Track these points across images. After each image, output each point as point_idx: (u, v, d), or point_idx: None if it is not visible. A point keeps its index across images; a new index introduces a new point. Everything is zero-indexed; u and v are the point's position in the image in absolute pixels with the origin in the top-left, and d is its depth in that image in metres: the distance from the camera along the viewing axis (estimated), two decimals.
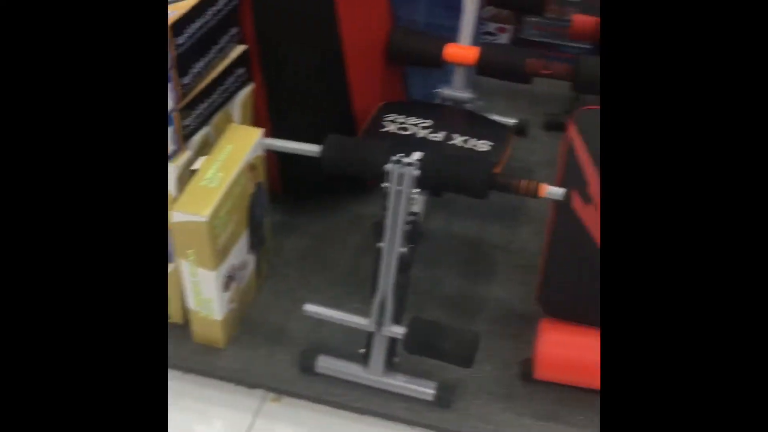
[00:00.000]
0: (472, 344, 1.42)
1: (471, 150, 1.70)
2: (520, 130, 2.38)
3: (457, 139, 1.73)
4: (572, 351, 1.51)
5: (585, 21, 2.27)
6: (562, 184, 1.48)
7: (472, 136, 1.73)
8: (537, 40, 2.71)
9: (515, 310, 1.80)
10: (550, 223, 1.52)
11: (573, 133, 1.49)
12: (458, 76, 1.92)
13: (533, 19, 2.69)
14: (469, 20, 1.87)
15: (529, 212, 2.09)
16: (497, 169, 1.69)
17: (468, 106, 1.95)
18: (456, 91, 1.93)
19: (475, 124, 1.86)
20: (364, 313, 1.50)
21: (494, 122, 1.91)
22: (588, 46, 2.37)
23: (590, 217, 1.47)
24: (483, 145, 1.71)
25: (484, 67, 1.86)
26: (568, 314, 1.55)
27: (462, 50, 1.87)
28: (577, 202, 1.48)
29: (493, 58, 1.83)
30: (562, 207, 1.49)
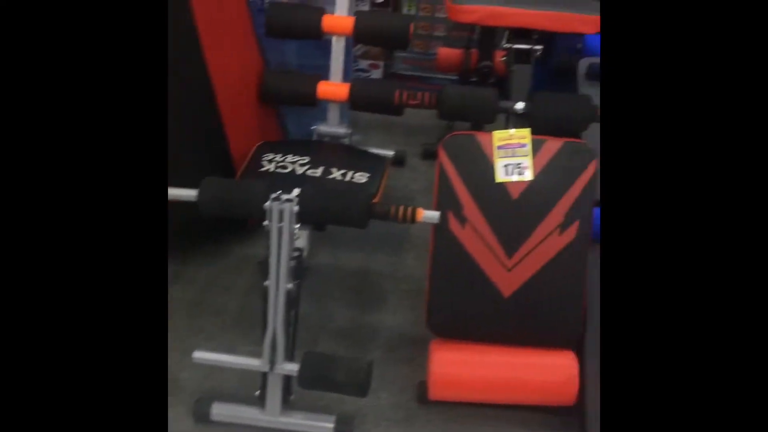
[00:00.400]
0: (365, 373, 1.43)
1: (350, 182, 1.74)
2: (398, 161, 2.46)
3: (336, 173, 1.76)
4: (463, 368, 1.56)
5: (449, 54, 2.39)
6: (438, 208, 1.54)
7: (350, 169, 1.77)
8: (407, 73, 2.82)
9: (407, 334, 1.83)
10: (431, 247, 1.57)
11: (443, 158, 1.56)
12: (332, 113, 1.97)
13: (402, 54, 2.81)
14: (338, 58, 1.92)
15: (412, 239, 2.15)
16: (376, 199, 1.73)
17: (345, 141, 2.00)
18: (332, 127, 1.98)
19: (352, 157, 1.91)
20: (258, 355, 1.49)
21: (371, 154, 1.96)
22: (454, 77, 2.49)
23: (467, 238, 1.54)
24: (361, 177, 1.76)
25: (355, 102, 1.91)
26: (456, 333, 1.60)
27: (333, 87, 1.92)
28: (453, 225, 1.54)
29: (364, 93, 1.89)
30: (440, 230, 1.55)
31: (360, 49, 2.73)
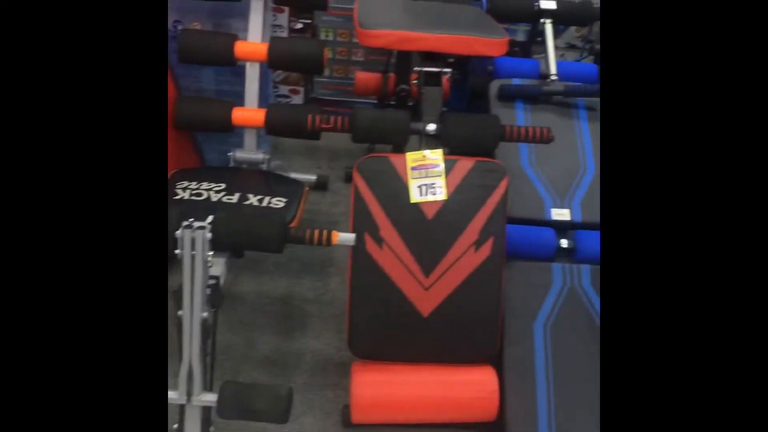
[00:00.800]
0: (285, 400, 1.41)
1: (266, 208, 1.73)
2: (321, 185, 2.46)
3: (253, 199, 1.75)
4: (384, 390, 1.56)
5: (367, 78, 2.42)
6: (355, 230, 1.55)
7: (267, 195, 1.76)
8: (328, 98, 2.84)
9: (332, 358, 1.83)
10: (349, 270, 1.58)
11: (358, 180, 1.57)
12: (249, 139, 1.96)
13: (323, 79, 2.83)
14: (252, 84, 1.92)
15: (336, 263, 2.15)
16: (294, 223, 1.73)
17: (263, 167, 1.99)
18: (248, 153, 1.96)
19: (270, 183, 1.90)
20: (174, 387, 1.45)
21: (288, 179, 1.96)
22: (374, 101, 2.52)
23: (385, 259, 1.55)
24: (278, 202, 1.75)
25: (271, 127, 1.91)
26: (378, 354, 1.60)
27: (248, 113, 1.92)
28: (370, 246, 1.55)
29: (279, 118, 1.89)
30: (358, 252, 1.55)
31: (280, 74, 2.73)
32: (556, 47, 2.79)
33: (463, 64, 2.60)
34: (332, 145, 2.66)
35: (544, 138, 1.60)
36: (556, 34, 2.76)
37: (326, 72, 2.83)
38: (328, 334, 1.90)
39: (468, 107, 2.39)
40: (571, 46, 2.75)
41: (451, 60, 2.66)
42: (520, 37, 2.61)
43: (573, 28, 2.72)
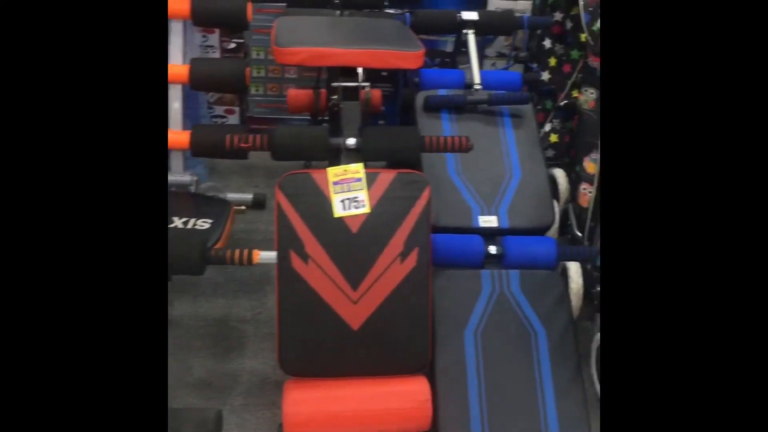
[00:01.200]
0: (213, 423, 1.40)
1: (190, 230, 1.71)
2: (258, 204, 2.45)
3: (177, 222, 1.74)
4: (316, 406, 1.55)
5: (299, 94, 2.42)
6: (279, 247, 1.55)
7: (192, 217, 1.75)
8: (263, 117, 2.84)
9: (269, 378, 1.82)
10: (276, 287, 1.57)
11: (281, 198, 1.57)
12: (175, 161, 1.95)
13: (257, 97, 2.83)
14: (175, 107, 1.91)
15: (273, 281, 2.13)
16: (220, 244, 1.72)
17: (191, 189, 1.97)
18: (175, 175, 1.95)
19: (196, 204, 1.89)
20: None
21: (215, 200, 1.95)
22: (307, 117, 2.53)
23: (311, 275, 1.55)
24: (203, 224, 1.74)
25: (196, 149, 1.90)
26: (310, 371, 1.59)
27: (173, 135, 1.90)
28: (296, 263, 1.55)
29: (202, 139, 1.89)
30: (284, 270, 1.55)
31: (213, 95, 2.72)
32: (487, 56, 2.85)
33: (393, 77, 2.63)
34: (269, 163, 2.65)
35: (463, 147, 1.62)
36: (486, 44, 2.81)
37: (260, 90, 2.83)
38: (265, 353, 1.90)
39: (401, 120, 2.41)
40: (502, 55, 2.80)
41: (384, 74, 2.69)
42: (450, 48, 2.65)
43: (502, 38, 2.77)
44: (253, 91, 2.81)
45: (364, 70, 1.81)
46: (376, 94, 2.29)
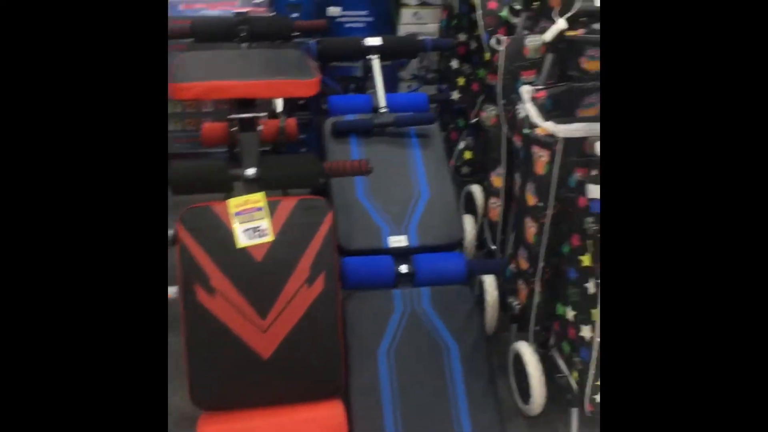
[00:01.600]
0: None
1: None
2: (173, 241, 2.43)
3: None
4: None
5: (213, 128, 2.42)
6: (183, 282, 1.54)
7: None
8: (182, 152, 2.83)
9: (189, 414, 1.79)
10: (182, 323, 1.56)
11: (182, 232, 1.57)
12: None
13: (175, 132, 2.82)
14: None
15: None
16: None
17: None
18: None
19: None
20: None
21: None
22: (222, 150, 2.53)
23: (218, 307, 1.55)
24: None
25: None
26: (223, 404, 1.59)
27: None
28: (202, 296, 1.55)
29: None
30: (189, 304, 1.54)
31: None
32: (402, 79, 2.91)
33: (314, 105, 2.66)
34: (190, 198, 2.64)
35: (363, 170, 1.65)
36: (400, 67, 2.87)
37: (178, 126, 2.82)
38: (185, 389, 1.87)
39: (317, 148, 2.44)
40: (416, 77, 2.86)
41: (301, 102, 2.72)
42: (361, 73, 2.69)
43: (415, 61, 2.84)
44: (171, 127, 2.80)
45: (283, 100, 1.82)
46: (291, 123, 2.31)
